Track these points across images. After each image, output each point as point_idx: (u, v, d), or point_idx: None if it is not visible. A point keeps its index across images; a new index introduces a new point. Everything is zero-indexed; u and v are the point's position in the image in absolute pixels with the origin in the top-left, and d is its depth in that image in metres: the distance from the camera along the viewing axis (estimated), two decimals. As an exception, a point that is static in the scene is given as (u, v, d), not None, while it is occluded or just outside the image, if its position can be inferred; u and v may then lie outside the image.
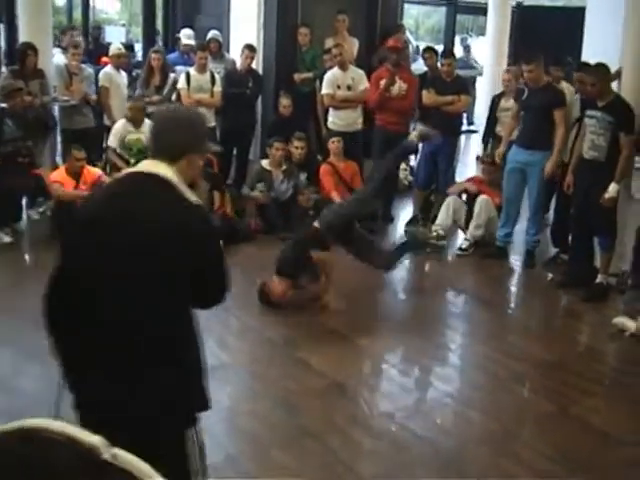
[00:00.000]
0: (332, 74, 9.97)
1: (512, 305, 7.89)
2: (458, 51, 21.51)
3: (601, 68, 7.48)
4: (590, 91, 7.54)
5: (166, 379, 2.92)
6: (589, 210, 7.46)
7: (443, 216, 8.95)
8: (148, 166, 3.01)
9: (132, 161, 9.24)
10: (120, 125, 9.45)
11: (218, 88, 10.14)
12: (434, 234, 8.81)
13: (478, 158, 10.05)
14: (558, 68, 8.94)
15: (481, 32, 18.01)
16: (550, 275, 8.13)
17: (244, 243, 8.64)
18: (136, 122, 9.36)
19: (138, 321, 2.87)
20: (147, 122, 9.39)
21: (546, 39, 14.33)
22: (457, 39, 19.13)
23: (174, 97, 10.38)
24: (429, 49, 10.98)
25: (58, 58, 10.45)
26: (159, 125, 3.14)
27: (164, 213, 2.90)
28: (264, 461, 4.71)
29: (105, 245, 2.87)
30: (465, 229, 8.96)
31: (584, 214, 7.56)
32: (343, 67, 9.91)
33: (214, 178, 9.07)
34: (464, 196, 9.16)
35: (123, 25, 23.50)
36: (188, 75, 10.11)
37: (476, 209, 8.92)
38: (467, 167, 10.92)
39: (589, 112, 7.50)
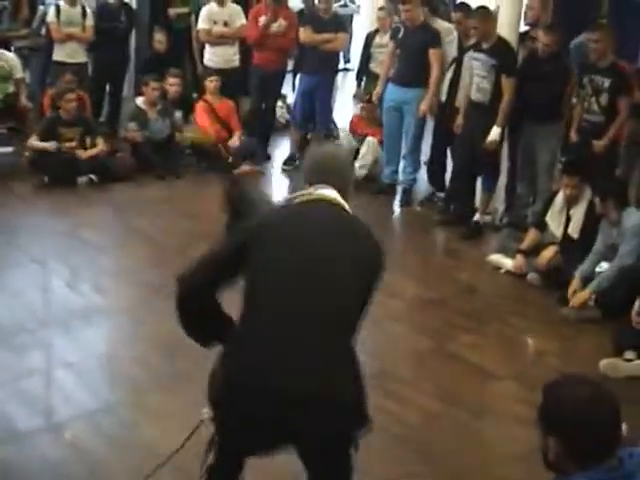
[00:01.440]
0: (209, 9, 9.74)
1: (389, 243, 7.91)
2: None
3: (484, 11, 7.55)
4: (473, 34, 7.59)
5: (354, 378, 2.93)
6: (473, 151, 7.55)
7: None
8: (329, 195, 3.04)
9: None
10: None
11: (90, 22, 9.73)
12: None
13: (355, 96, 10.02)
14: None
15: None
16: (427, 213, 8.22)
17: (120, 182, 8.42)
18: None
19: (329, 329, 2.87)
20: (2, 51, 9.02)
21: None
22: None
23: (43, 31, 9.98)
24: (306, -14, 10.87)
25: None
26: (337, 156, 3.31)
27: (362, 239, 3.04)
28: (142, 406, 4.64)
29: (312, 262, 2.89)
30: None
31: (468, 155, 7.65)
32: (220, 3, 9.68)
33: (86, 122, 8.79)
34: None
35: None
36: (58, 8, 9.65)
37: (363, 149, 8.94)
38: (344, 105, 10.87)
39: (474, 55, 7.54)
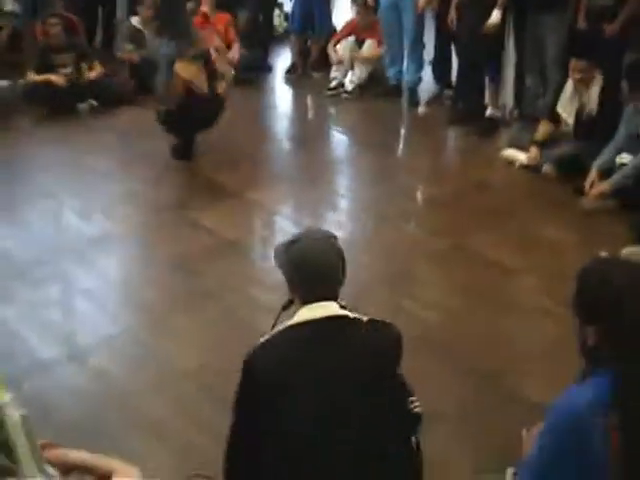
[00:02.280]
0: None
1: (400, 145, 7.84)
2: None
3: None
4: None
5: None
6: (474, 42, 7.35)
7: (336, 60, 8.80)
8: (331, 311, 2.65)
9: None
10: None
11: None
12: (333, 83, 8.66)
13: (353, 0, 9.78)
14: None
15: None
16: (436, 112, 8.09)
17: (123, 105, 8.28)
18: None
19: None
20: None
21: None
22: None
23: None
24: None
25: None
26: (325, 261, 2.69)
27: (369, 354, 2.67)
28: (164, 328, 4.63)
29: (338, 406, 2.59)
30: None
31: (470, 46, 7.46)
32: None
33: (77, 46, 8.61)
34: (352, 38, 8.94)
35: None
36: None
37: (364, 52, 8.78)
38: (340, 9, 10.62)
39: None
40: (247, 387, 2.62)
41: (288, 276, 2.71)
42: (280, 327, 2.68)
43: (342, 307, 2.71)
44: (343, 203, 6.46)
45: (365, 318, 2.68)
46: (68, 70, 8.32)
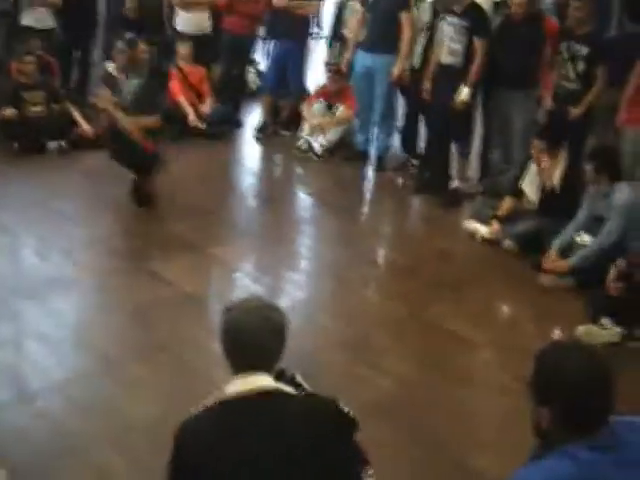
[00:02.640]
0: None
1: (364, 210, 7.88)
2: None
3: None
4: None
5: None
6: (446, 116, 7.47)
7: (308, 123, 8.88)
8: (264, 385, 2.56)
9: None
10: None
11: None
12: (302, 144, 8.73)
13: (326, 64, 9.91)
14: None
15: None
16: (401, 180, 8.19)
17: (93, 148, 8.27)
18: None
19: None
20: None
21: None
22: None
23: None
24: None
25: None
26: (253, 331, 2.59)
27: (320, 425, 2.57)
28: (117, 376, 4.57)
29: None
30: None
31: (440, 120, 7.58)
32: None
33: (48, 85, 8.63)
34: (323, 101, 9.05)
35: None
36: (24, -28, 9.50)
37: (335, 116, 8.88)
38: (314, 71, 10.77)
39: (447, 18, 7.46)
40: (176, 462, 2.54)
41: (221, 343, 2.65)
42: (210, 400, 2.63)
43: (278, 377, 2.68)
44: (304, 264, 6.48)
45: (300, 393, 2.64)
46: (38, 108, 8.33)
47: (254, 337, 2.57)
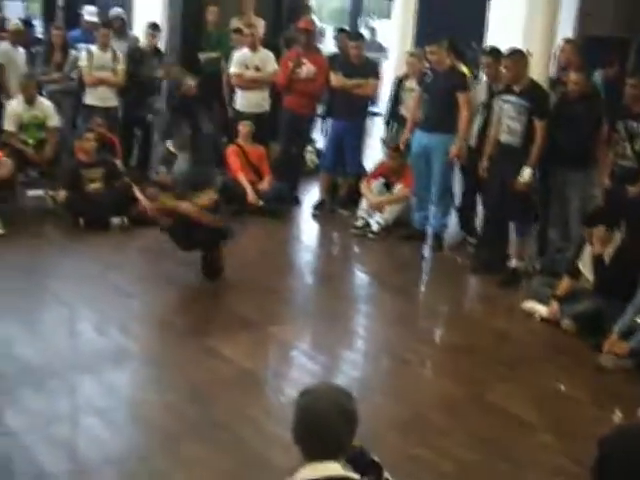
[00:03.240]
0: (241, 54, 9.87)
1: (422, 289, 7.88)
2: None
3: (516, 52, 7.51)
4: (504, 75, 7.56)
5: None
6: (505, 195, 7.46)
7: (366, 202, 8.94)
8: (334, 474, 2.58)
9: (30, 141, 8.97)
10: (14, 105, 9.08)
11: (121, 66, 9.90)
12: (359, 222, 8.79)
13: (383, 142, 10.02)
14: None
15: (384, 14, 17.97)
16: (459, 259, 8.18)
17: (151, 225, 8.41)
18: (29, 99, 9.02)
19: None
20: (41, 99, 9.11)
21: (451, 22, 14.36)
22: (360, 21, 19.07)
23: (75, 75, 10.10)
24: (342, 31, 10.92)
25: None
26: (323, 418, 2.62)
27: None
28: (174, 454, 4.56)
29: None
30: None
31: (499, 199, 7.57)
32: (253, 47, 9.79)
33: (107, 162, 8.86)
34: (381, 179, 9.13)
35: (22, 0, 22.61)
36: (90, 53, 9.81)
37: (392, 194, 8.93)
38: (371, 150, 10.88)
39: (504, 97, 7.49)
40: None
41: (292, 430, 2.66)
42: None
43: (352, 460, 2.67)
44: (361, 343, 6.46)
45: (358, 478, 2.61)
46: (97, 185, 8.52)
47: (325, 425, 2.60)
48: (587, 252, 6.63)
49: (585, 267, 6.66)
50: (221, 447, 4.61)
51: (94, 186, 8.54)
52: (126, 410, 5.11)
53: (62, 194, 8.40)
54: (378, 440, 4.75)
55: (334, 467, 2.57)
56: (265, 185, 9.37)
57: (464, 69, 8.33)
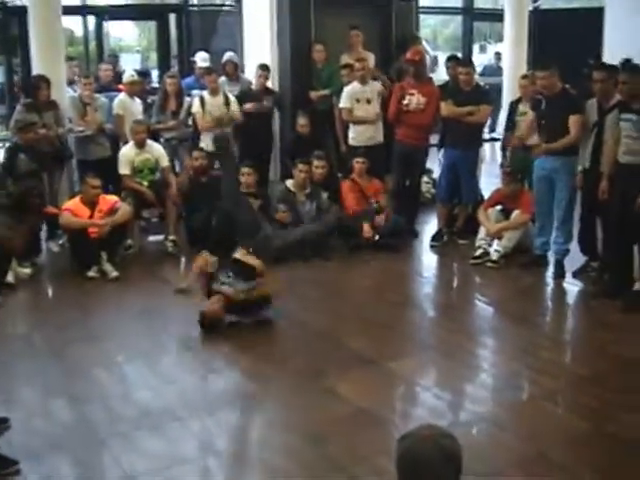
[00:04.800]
0: (352, 88, 9.95)
1: (544, 318, 7.65)
2: (486, 57, 21.32)
3: (633, 65, 7.26)
4: (621, 89, 7.31)
5: None
6: (627, 216, 7.21)
7: (484, 230, 8.81)
8: None
9: (145, 183, 9.22)
10: (125, 150, 9.40)
11: (234, 107, 10.08)
12: (478, 252, 8.67)
13: (501, 166, 9.88)
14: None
15: (499, 38, 17.78)
16: (582, 285, 7.94)
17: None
18: (140, 143, 9.32)
19: None
20: (151, 143, 9.37)
21: (565, 41, 14.14)
22: (475, 47, 18.94)
23: (190, 121, 10.34)
24: (452, 58, 10.83)
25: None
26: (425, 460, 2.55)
27: None
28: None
29: None
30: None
31: (621, 221, 7.32)
32: (363, 81, 9.83)
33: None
34: (499, 207, 8.99)
35: (138, 52, 23.46)
36: (202, 99, 10.05)
37: (511, 221, 8.78)
38: (493, 177, 10.68)
39: (622, 115, 7.26)
40: None
41: (397, 473, 2.58)
42: None
43: None
44: (483, 376, 6.30)
45: None
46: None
47: (428, 467, 2.51)
48: None
49: None
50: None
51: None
52: (245, 452, 5.11)
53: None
54: (500, 476, 4.66)
55: None
56: (381, 219, 9.33)
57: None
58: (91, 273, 8.29)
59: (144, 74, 11.98)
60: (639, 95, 7.13)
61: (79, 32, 18.27)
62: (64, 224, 8.58)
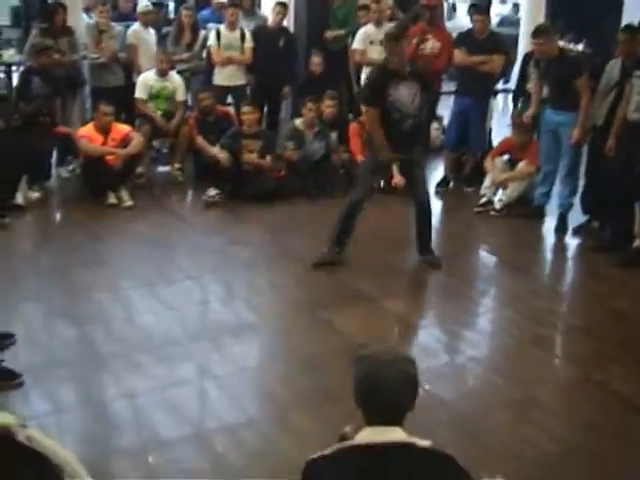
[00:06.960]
0: (366, 30, 9.89)
1: (542, 269, 7.77)
2: (505, 8, 21.10)
3: None
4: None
5: None
6: (630, 175, 7.26)
7: (490, 178, 8.87)
8: (396, 438, 2.57)
9: (159, 111, 9.28)
10: (146, 75, 9.50)
11: (249, 44, 10.07)
12: (482, 200, 8.75)
13: (511, 117, 9.89)
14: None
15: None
16: (581, 239, 8.05)
17: (279, 201, 8.71)
18: (162, 72, 9.43)
19: None
20: (172, 73, 9.42)
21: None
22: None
23: (204, 54, 10.34)
24: (473, 6, 10.76)
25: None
26: (392, 387, 2.59)
27: None
28: (286, 423, 4.69)
29: None
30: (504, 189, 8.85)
31: (624, 179, 7.37)
32: (378, 23, 9.80)
33: (267, 137, 9.20)
34: (506, 156, 9.04)
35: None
36: (218, 32, 10.05)
37: (517, 171, 8.82)
38: (505, 127, 10.68)
39: (636, 72, 7.28)
40: None
41: (354, 391, 2.64)
42: (343, 445, 2.64)
43: None
44: (477, 321, 6.43)
45: (426, 444, 2.59)
46: (253, 155, 8.87)
47: (393, 394, 2.58)
48: None
49: None
50: (331, 418, 4.67)
51: (252, 157, 8.88)
52: (242, 378, 5.24)
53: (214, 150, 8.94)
54: (490, 418, 4.81)
55: (399, 433, 2.58)
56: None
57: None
58: (111, 200, 8.42)
59: (160, 5, 11.93)
60: None
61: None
62: (85, 151, 8.66)
